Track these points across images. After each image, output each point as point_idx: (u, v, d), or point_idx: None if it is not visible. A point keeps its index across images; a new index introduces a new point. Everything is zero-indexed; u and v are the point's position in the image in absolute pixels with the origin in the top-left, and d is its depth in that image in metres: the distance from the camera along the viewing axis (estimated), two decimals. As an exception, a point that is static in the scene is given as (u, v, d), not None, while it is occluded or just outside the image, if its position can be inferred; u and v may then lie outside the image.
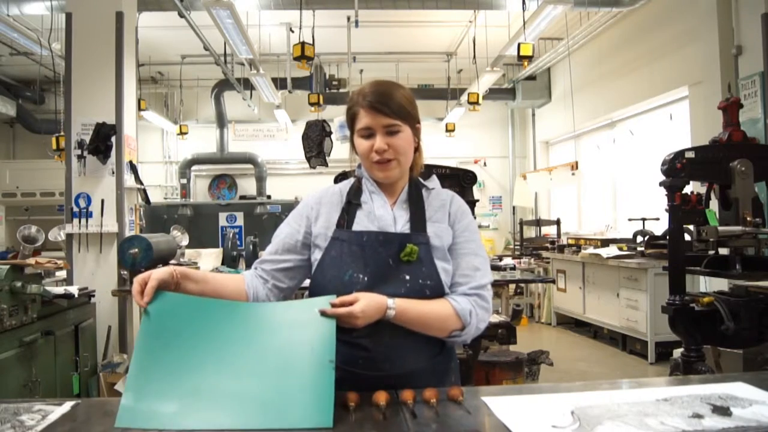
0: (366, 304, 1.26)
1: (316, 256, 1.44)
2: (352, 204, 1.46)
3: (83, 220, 4.10)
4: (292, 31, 6.46)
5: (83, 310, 3.62)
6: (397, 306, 1.30)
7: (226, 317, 1.27)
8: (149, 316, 1.25)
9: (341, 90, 8.78)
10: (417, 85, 9.16)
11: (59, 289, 3.35)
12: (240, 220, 7.98)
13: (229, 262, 5.06)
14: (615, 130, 7.50)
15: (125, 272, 4.02)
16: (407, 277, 1.36)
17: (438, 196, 1.50)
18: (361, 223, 1.43)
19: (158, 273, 1.29)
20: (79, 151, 4.09)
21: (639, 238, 5.83)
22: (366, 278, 1.36)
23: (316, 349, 1.20)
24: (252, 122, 9.68)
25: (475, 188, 4.24)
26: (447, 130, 8.86)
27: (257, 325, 1.27)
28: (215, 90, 8.93)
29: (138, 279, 1.29)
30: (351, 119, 1.43)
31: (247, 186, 9.78)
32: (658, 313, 4.47)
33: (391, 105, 1.37)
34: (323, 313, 1.24)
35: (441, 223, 1.45)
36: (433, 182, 1.53)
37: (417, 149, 1.48)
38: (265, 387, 1.16)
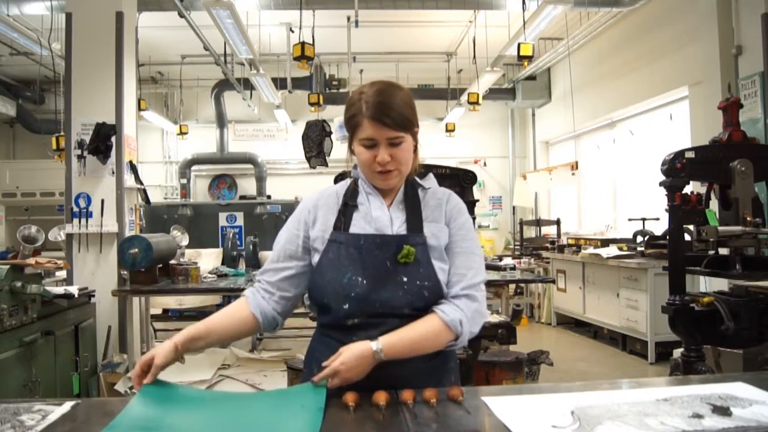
0: (345, 356, 1.27)
1: (315, 259, 1.44)
2: (348, 206, 1.45)
3: (83, 220, 4.10)
4: (292, 31, 6.46)
5: (83, 310, 3.62)
6: (384, 345, 1.29)
7: (215, 401, 1.30)
8: (138, 400, 1.23)
9: (341, 90, 8.78)
10: (417, 85, 9.16)
11: (59, 289, 3.35)
12: (240, 220, 7.96)
13: (229, 262, 5.06)
14: (615, 130, 7.50)
15: (125, 272, 4.02)
16: (405, 279, 1.36)
17: (434, 196, 1.49)
18: (358, 225, 1.42)
19: (162, 354, 1.28)
20: (79, 151, 4.08)
21: (639, 238, 5.83)
22: (365, 281, 1.36)
23: (306, 404, 1.21)
24: (252, 122, 9.68)
25: (475, 188, 4.24)
26: (447, 130, 8.86)
27: (246, 402, 1.31)
28: (215, 90, 8.93)
29: (141, 362, 1.28)
30: (352, 126, 1.41)
31: (247, 186, 9.78)
32: (658, 313, 4.46)
33: (395, 116, 1.36)
34: (313, 383, 1.27)
35: (438, 222, 1.44)
36: (430, 181, 1.53)
37: (414, 150, 1.47)
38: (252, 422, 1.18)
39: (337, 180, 2.40)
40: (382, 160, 1.37)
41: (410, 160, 1.44)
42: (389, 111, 1.36)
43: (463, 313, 1.36)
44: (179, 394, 1.27)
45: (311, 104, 7.07)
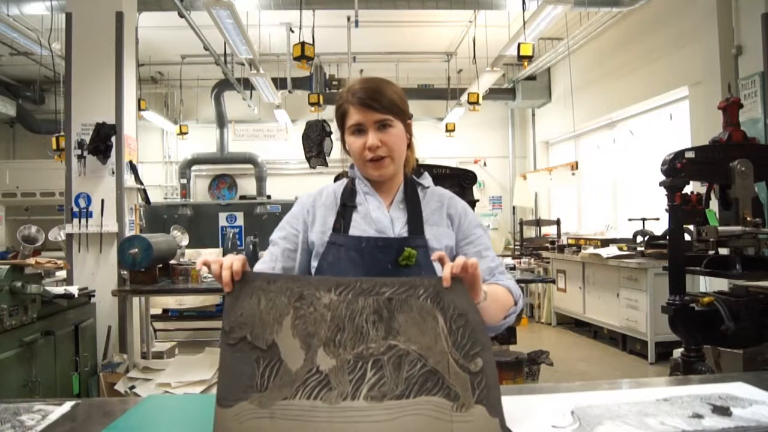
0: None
1: (314, 262, 1.41)
2: (347, 207, 1.42)
3: (83, 220, 4.10)
4: (292, 31, 6.46)
5: (83, 310, 3.62)
6: (486, 288, 1.20)
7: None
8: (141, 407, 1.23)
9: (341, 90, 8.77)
10: (417, 85, 9.16)
11: (59, 289, 3.35)
12: (240, 220, 7.98)
13: (229, 262, 5.05)
14: (615, 130, 7.50)
15: (125, 272, 4.02)
16: None
17: (434, 196, 1.47)
18: (358, 226, 1.40)
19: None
20: (79, 151, 4.08)
21: (639, 238, 5.83)
22: None
23: None
24: (252, 122, 9.67)
25: (475, 188, 4.24)
26: (447, 130, 8.86)
27: None
28: (215, 90, 8.93)
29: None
30: (341, 117, 1.40)
31: (247, 186, 9.78)
32: (658, 313, 4.46)
33: (382, 100, 1.34)
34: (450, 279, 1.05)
35: (439, 225, 1.42)
36: (427, 180, 1.51)
37: (409, 145, 1.45)
38: None
39: (337, 180, 2.39)
40: (372, 144, 1.34)
41: (402, 147, 1.41)
42: (375, 95, 1.35)
43: (510, 282, 1.37)
44: (182, 404, 1.27)
45: (311, 104, 7.07)
